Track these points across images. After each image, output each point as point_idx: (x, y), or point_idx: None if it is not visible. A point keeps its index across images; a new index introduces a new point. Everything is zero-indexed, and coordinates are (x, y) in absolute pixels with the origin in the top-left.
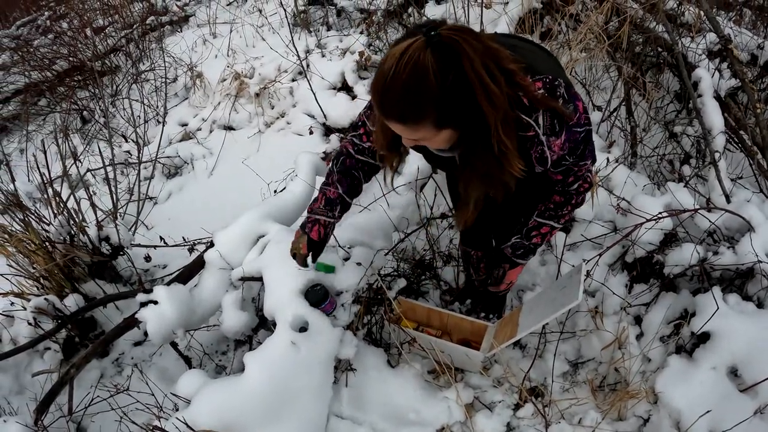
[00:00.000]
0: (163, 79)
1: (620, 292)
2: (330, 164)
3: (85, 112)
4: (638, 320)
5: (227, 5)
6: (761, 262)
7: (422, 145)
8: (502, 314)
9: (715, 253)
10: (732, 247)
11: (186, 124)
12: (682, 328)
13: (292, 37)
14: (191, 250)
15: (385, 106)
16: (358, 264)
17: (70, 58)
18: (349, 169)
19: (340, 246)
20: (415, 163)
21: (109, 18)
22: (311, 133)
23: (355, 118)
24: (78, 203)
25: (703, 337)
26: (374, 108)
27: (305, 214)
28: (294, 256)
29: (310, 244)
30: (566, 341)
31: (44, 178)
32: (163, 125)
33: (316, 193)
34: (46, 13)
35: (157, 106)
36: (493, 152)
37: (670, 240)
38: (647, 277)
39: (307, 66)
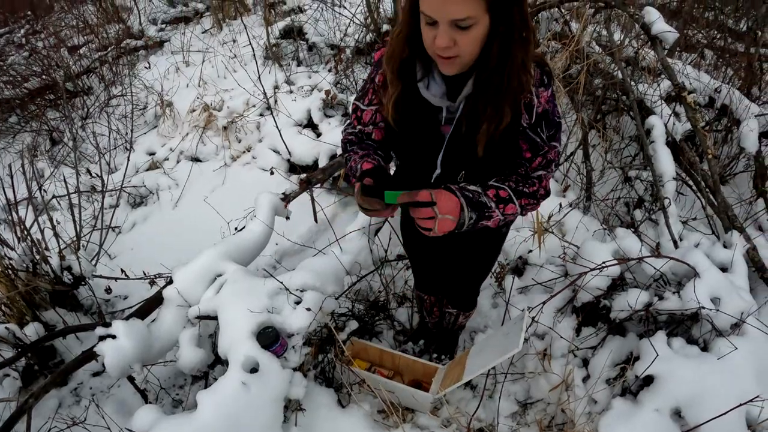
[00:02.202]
0: (133, 106)
1: (569, 334)
2: (342, 154)
3: (54, 134)
4: (585, 362)
5: (202, 33)
6: (704, 308)
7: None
8: (454, 355)
9: (661, 298)
10: (677, 292)
11: (154, 153)
12: (627, 371)
13: (259, 75)
14: (152, 283)
15: None
16: (308, 309)
17: (43, 77)
18: (362, 139)
19: (290, 292)
20: None
21: (85, 37)
22: (272, 173)
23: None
24: (42, 231)
25: (649, 380)
26: None
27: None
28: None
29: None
30: (516, 382)
31: (9, 202)
32: (129, 154)
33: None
34: (22, 30)
35: (127, 133)
36: (530, 41)
37: (617, 285)
38: (595, 320)
39: (275, 102)
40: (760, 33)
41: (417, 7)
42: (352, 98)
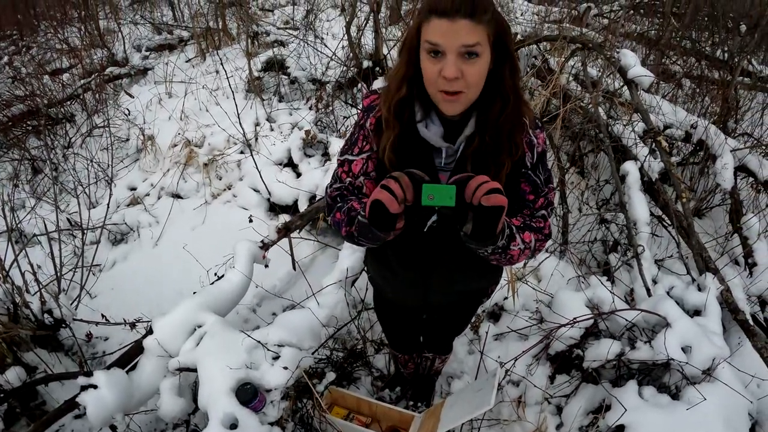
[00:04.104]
0: (112, 139)
1: (543, 382)
2: (329, 210)
3: (36, 163)
4: (559, 410)
5: (186, 62)
6: (673, 360)
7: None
8: (431, 402)
9: (633, 347)
10: (649, 341)
11: (135, 188)
12: (599, 420)
13: (239, 117)
14: (132, 326)
15: (454, 0)
16: (285, 368)
17: (27, 102)
18: (353, 193)
19: (267, 348)
20: (345, 261)
21: (69, 61)
22: (251, 221)
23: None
24: (22, 275)
25: (620, 429)
26: (434, 16)
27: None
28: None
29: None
30: (492, 428)
31: None
32: (111, 190)
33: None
34: (6, 57)
35: (108, 166)
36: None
37: (591, 333)
38: (569, 368)
39: (256, 140)
40: (737, 59)
41: (417, 46)
42: (332, 138)
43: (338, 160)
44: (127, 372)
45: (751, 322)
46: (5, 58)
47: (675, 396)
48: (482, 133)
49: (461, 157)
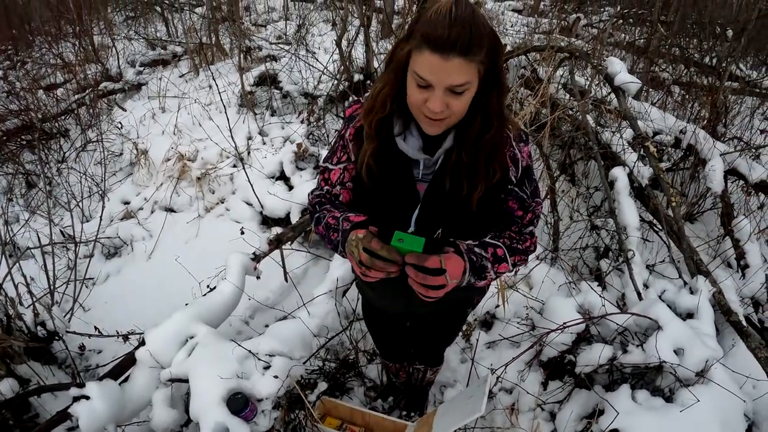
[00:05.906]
0: (105, 154)
1: (536, 388)
2: (311, 215)
3: (30, 177)
4: (553, 416)
5: (180, 77)
6: (665, 362)
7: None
8: (424, 411)
9: (625, 351)
10: (641, 345)
11: (128, 203)
12: (592, 425)
13: (231, 132)
14: (126, 338)
15: (450, 36)
16: (276, 377)
17: (22, 116)
18: (331, 201)
19: (258, 358)
20: (335, 271)
21: (64, 76)
22: (242, 233)
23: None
24: (16, 287)
25: None
26: (426, 48)
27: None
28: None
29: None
30: None
31: None
32: (104, 204)
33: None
34: (0, 72)
35: (102, 180)
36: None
37: (582, 338)
38: (561, 374)
39: (248, 153)
40: (725, 64)
41: (404, 65)
42: (323, 151)
43: (320, 166)
44: (119, 383)
45: (744, 323)
46: (0, 73)
47: (669, 399)
48: (460, 149)
49: (440, 170)
